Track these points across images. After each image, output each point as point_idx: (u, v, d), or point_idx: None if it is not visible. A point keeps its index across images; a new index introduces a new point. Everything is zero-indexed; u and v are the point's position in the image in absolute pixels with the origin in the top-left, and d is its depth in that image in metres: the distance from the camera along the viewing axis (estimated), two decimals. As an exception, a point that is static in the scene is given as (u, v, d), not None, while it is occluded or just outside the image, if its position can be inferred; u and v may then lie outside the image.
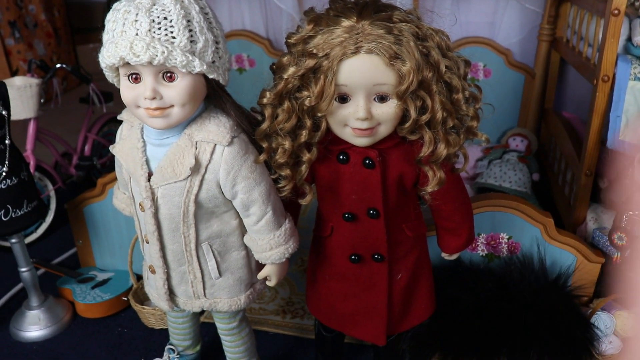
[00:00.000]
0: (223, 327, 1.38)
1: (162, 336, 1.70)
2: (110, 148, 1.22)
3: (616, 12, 1.61)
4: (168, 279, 1.24)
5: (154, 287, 1.28)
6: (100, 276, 1.93)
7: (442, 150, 1.04)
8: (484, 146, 2.58)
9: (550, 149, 2.57)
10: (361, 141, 1.06)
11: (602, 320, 1.48)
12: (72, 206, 1.90)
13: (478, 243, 1.64)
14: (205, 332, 1.69)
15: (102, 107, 2.64)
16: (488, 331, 1.43)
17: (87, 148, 2.67)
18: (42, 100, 2.23)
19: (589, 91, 1.89)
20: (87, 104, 2.65)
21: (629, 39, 1.78)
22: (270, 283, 1.25)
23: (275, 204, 1.16)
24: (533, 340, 1.40)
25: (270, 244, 1.17)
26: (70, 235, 1.99)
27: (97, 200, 1.86)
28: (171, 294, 1.27)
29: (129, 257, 1.79)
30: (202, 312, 1.49)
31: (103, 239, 1.93)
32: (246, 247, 1.23)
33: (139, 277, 1.82)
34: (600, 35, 1.75)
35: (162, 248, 1.20)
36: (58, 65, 2.44)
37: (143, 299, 1.81)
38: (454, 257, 1.31)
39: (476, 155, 2.53)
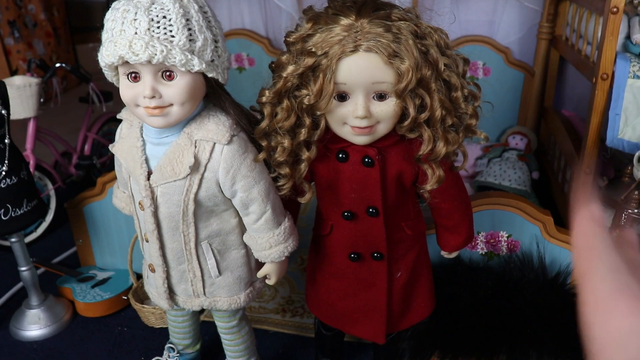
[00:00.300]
0: (223, 326, 1.38)
1: (162, 335, 1.70)
2: (110, 147, 1.23)
3: (615, 10, 1.61)
4: (168, 277, 1.25)
5: (154, 285, 1.28)
6: (100, 275, 1.93)
7: (441, 148, 1.04)
8: (484, 144, 2.58)
9: (549, 147, 2.57)
10: (360, 139, 1.06)
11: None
12: (72, 205, 1.90)
13: (478, 241, 1.64)
14: (205, 330, 1.69)
15: (102, 106, 2.64)
16: (487, 329, 1.43)
17: (86, 147, 2.67)
18: (41, 100, 2.23)
19: (588, 89, 1.89)
20: (87, 103, 2.65)
21: (628, 37, 1.78)
22: (270, 282, 1.25)
23: (274, 202, 1.16)
24: (532, 338, 1.40)
25: (270, 242, 1.18)
26: (70, 235, 1.99)
27: (97, 199, 1.86)
28: (171, 293, 1.27)
29: (128, 256, 1.79)
30: (202, 310, 1.49)
31: (103, 238, 1.93)
32: (246, 246, 1.24)
33: (139, 276, 1.82)
34: (599, 33, 1.75)
35: (162, 247, 1.20)
36: (57, 65, 2.45)
37: (143, 298, 1.81)
38: (454, 255, 1.31)
39: (476, 154, 2.53)
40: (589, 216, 0.37)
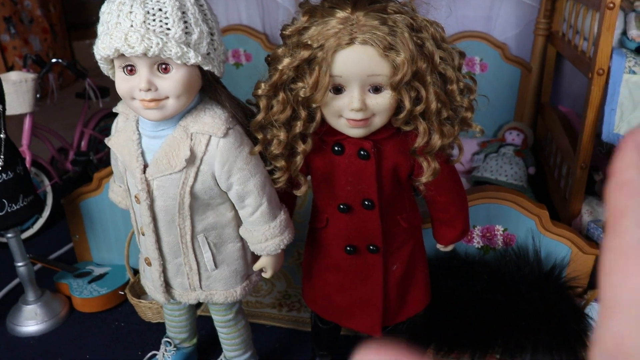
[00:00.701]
0: (219, 319, 1.38)
1: (159, 330, 1.71)
2: (106, 140, 1.23)
3: (611, 5, 1.61)
4: (164, 271, 1.25)
5: (150, 279, 1.28)
6: (97, 271, 1.93)
7: (437, 141, 1.05)
8: (480, 140, 2.59)
9: (546, 143, 2.57)
10: (356, 132, 1.07)
11: (596, 311, 1.49)
12: (68, 201, 1.90)
13: (473, 235, 1.65)
14: (201, 325, 1.69)
15: (99, 102, 2.64)
16: (483, 323, 1.43)
17: (83, 143, 2.67)
18: (38, 96, 2.23)
19: (584, 85, 1.89)
20: (84, 99, 2.65)
21: (624, 32, 1.79)
22: (266, 275, 1.26)
23: (270, 195, 1.16)
24: (527, 331, 1.40)
25: (266, 235, 1.18)
26: (67, 231, 1.99)
27: (93, 194, 1.86)
28: (167, 286, 1.27)
29: (125, 251, 1.79)
30: (199, 305, 1.49)
31: (99, 234, 1.93)
32: (242, 239, 1.24)
33: (136, 272, 1.82)
34: (596, 29, 1.75)
35: (158, 240, 1.20)
36: (54, 60, 2.44)
37: (140, 293, 1.81)
38: (450, 248, 1.32)
39: (472, 149, 2.54)
40: (636, 147, 0.30)
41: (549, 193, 2.34)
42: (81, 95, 2.66)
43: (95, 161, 2.67)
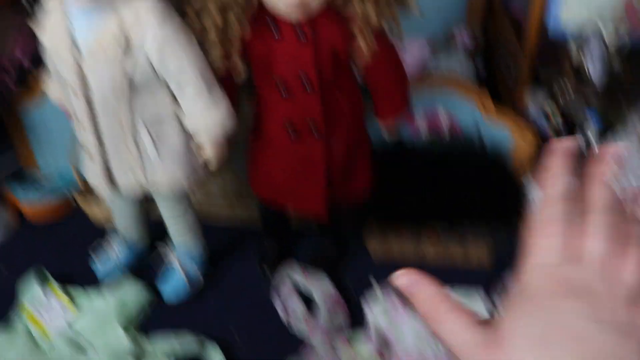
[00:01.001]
0: (168, 214, 1.39)
1: (112, 234, 1.70)
2: (36, 31, 1.18)
3: None
4: (106, 163, 1.23)
5: (94, 173, 1.27)
6: (45, 179, 1.89)
7: (373, 17, 1.05)
8: (430, 38, 2.56)
9: (497, 46, 2.58)
10: (293, 13, 1.05)
11: (531, 185, 1.54)
12: (7, 111, 1.83)
13: (419, 123, 1.65)
14: (153, 229, 1.68)
15: (35, 11, 2.50)
16: (427, 204, 1.48)
17: (20, 52, 2.55)
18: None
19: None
20: (18, 11, 2.51)
21: None
22: (211, 165, 1.26)
23: (209, 82, 1.15)
24: (468, 206, 1.46)
25: (207, 122, 1.17)
26: (10, 142, 1.93)
27: (33, 100, 1.80)
28: (111, 180, 1.26)
29: (71, 156, 1.74)
30: (147, 201, 1.47)
31: (44, 141, 1.87)
32: (184, 129, 1.22)
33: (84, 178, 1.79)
34: None
35: (98, 132, 1.18)
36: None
37: (90, 198, 1.79)
38: (393, 131, 1.33)
39: (423, 51, 2.52)
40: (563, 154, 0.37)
41: (499, 95, 2.36)
42: (16, 6, 2.52)
43: (35, 72, 2.57)
